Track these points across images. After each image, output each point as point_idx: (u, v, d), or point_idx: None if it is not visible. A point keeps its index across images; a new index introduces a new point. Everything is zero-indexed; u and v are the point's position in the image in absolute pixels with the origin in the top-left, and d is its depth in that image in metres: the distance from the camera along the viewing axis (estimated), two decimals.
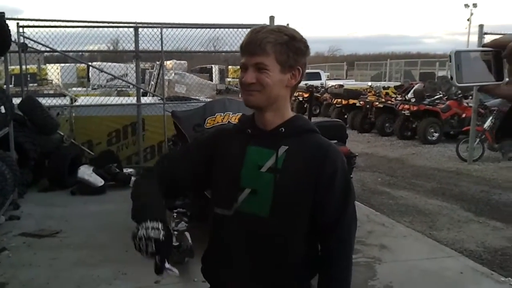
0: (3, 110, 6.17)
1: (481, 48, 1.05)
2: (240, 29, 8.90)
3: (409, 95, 15.36)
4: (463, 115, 13.80)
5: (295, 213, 1.74)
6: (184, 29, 9.14)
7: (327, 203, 1.74)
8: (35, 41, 8.32)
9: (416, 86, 16.18)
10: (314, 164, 1.72)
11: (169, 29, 8.92)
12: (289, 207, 1.72)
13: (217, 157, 1.84)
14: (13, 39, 7.14)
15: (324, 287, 1.76)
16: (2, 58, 6.94)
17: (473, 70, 1.04)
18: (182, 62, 18.10)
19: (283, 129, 1.76)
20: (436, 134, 13.67)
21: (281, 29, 1.70)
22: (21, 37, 8.16)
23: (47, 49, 8.59)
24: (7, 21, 6.72)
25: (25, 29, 8.25)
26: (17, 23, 8.14)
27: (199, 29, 9.22)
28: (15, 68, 10.05)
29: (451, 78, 1.04)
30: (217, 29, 9.26)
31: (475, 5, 41.02)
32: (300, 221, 1.75)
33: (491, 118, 11.06)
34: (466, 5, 41.45)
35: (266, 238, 1.73)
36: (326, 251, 1.80)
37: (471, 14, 41.00)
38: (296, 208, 1.73)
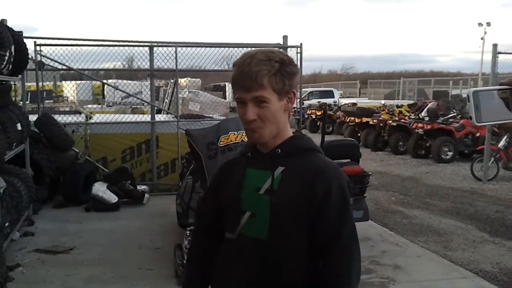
0: (19, 127, 6.26)
1: (498, 87, 1.06)
2: (253, 48, 8.97)
3: (423, 113, 15.31)
4: (477, 134, 13.70)
5: (291, 234, 1.71)
6: (198, 48, 9.25)
7: (320, 224, 1.69)
8: (51, 59, 8.45)
9: (429, 105, 16.15)
10: (307, 184, 1.70)
11: (184, 48, 9.02)
12: (286, 228, 1.71)
13: (223, 186, 1.89)
14: (30, 57, 7.26)
15: None
16: (19, 75, 7.04)
17: (491, 108, 1.05)
18: (196, 80, 18.22)
19: (279, 150, 1.76)
20: (450, 153, 13.58)
21: (269, 56, 1.67)
22: (38, 55, 8.30)
23: (64, 67, 8.71)
24: (25, 40, 6.86)
25: (42, 47, 8.38)
26: (34, 42, 8.28)
27: (213, 48, 9.31)
28: (31, 85, 10.19)
29: (470, 118, 1.05)
30: (231, 48, 9.35)
31: (488, 24, 40.81)
32: (297, 242, 1.71)
33: (505, 137, 10.99)
34: (480, 24, 41.23)
35: (264, 260, 1.72)
36: (322, 272, 1.71)
37: (485, 33, 40.77)
38: (292, 229, 1.71)
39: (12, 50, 5.74)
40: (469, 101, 1.03)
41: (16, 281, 4.82)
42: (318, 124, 22.03)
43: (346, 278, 1.69)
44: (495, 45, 10.05)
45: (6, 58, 5.57)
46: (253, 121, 1.68)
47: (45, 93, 10.23)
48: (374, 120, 16.24)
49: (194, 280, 1.98)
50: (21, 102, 7.93)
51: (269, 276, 1.72)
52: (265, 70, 1.64)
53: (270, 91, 1.66)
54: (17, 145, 6.25)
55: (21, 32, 6.79)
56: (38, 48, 8.30)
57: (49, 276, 5.00)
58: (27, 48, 6.76)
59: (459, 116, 14.93)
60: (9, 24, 6.33)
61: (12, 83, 7.27)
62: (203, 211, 2.07)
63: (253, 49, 1.81)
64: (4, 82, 6.27)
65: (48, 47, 8.47)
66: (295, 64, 1.75)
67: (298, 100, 10.70)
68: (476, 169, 10.93)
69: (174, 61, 8.83)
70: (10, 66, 5.80)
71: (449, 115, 14.83)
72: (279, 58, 1.68)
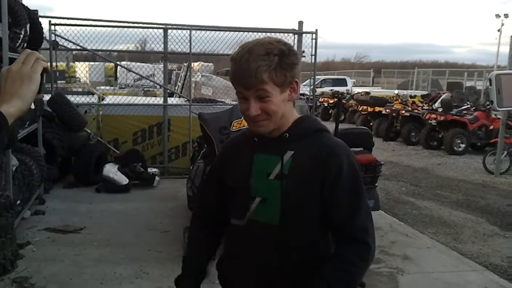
0: (32, 106, 6.27)
1: None
2: (267, 33, 8.93)
3: (436, 104, 15.18)
4: (491, 127, 13.58)
5: (304, 217, 1.72)
6: (212, 32, 9.20)
7: (336, 202, 1.69)
8: (66, 39, 8.45)
9: (443, 96, 15.99)
10: (318, 164, 1.69)
11: (197, 32, 8.98)
12: (298, 211, 1.71)
13: (227, 171, 1.87)
14: (44, 36, 7.26)
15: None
16: None
17: None
18: (209, 64, 18.17)
19: (287, 135, 1.75)
20: (463, 145, 13.48)
21: (268, 49, 1.62)
22: (53, 35, 8.29)
23: (77, 47, 8.71)
24: (40, 19, 6.85)
25: (56, 27, 8.38)
26: (49, 21, 8.29)
27: (226, 32, 9.26)
28: None
29: (492, 102, 1.01)
30: (245, 33, 9.29)
31: (506, 16, 40.22)
32: (310, 225, 1.73)
33: None
34: (497, 15, 40.67)
35: (277, 244, 1.72)
36: (337, 249, 1.74)
37: (502, 24, 40.23)
38: (305, 211, 1.71)
39: (27, 28, 5.75)
40: (490, 85, 1.00)
41: (26, 259, 4.85)
42: (330, 112, 21.95)
43: (367, 243, 1.70)
44: None
45: (21, 36, 5.58)
46: (257, 115, 1.66)
47: (57, 73, 10.25)
48: (387, 110, 16.15)
49: (194, 255, 1.99)
50: None
51: (283, 258, 1.73)
52: (264, 65, 1.60)
53: (272, 85, 1.63)
54: (30, 124, 6.27)
55: (37, 11, 6.78)
56: (52, 27, 8.30)
57: (59, 255, 5.03)
58: (42, 27, 6.75)
59: (473, 108, 14.82)
60: (24, 2, 6.33)
61: None
62: (205, 196, 2.06)
63: (253, 38, 1.78)
64: None
65: (62, 27, 8.46)
66: (295, 53, 1.70)
67: (311, 87, 10.63)
68: (489, 162, 10.84)
69: (188, 44, 8.78)
70: (25, 45, 5.80)
71: (463, 107, 14.73)
72: (278, 50, 1.63)
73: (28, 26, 5.76)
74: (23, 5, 6.08)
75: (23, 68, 1.28)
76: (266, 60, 1.61)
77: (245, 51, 1.64)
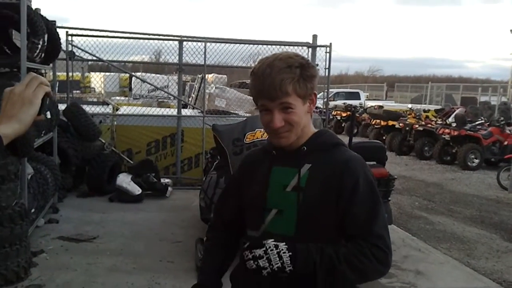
0: (49, 116, 6.34)
1: None
2: (281, 46, 8.97)
3: (450, 119, 15.13)
4: (505, 143, 13.50)
5: (319, 229, 1.73)
6: (226, 44, 9.26)
7: (353, 213, 1.70)
8: (82, 50, 8.55)
9: (457, 111, 15.96)
10: (335, 177, 1.72)
11: (212, 44, 9.04)
12: (314, 223, 1.72)
13: (245, 183, 1.90)
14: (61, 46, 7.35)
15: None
16: (50, 64, 7.14)
17: None
18: (223, 76, 18.26)
19: (305, 148, 1.79)
20: (477, 160, 13.39)
21: (289, 63, 1.67)
22: (69, 45, 8.40)
23: (93, 57, 8.81)
24: (57, 30, 6.94)
25: (73, 38, 8.48)
26: (66, 32, 8.40)
27: (240, 45, 9.31)
28: (60, 74, 10.31)
29: None
30: (259, 45, 9.34)
31: None
32: (326, 236, 1.73)
33: None
34: None
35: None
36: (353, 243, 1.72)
37: None
38: (320, 223, 1.72)
39: (45, 39, 5.82)
40: None
41: (39, 267, 4.89)
42: (343, 125, 21.91)
43: (384, 251, 1.70)
44: None
45: (39, 46, 5.65)
46: (281, 127, 1.70)
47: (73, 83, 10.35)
48: (400, 124, 16.10)
49: (210, 269, 1.99)
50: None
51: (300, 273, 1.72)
52: (288, 78, 1.65)
53: (295, 97, 1.68)
54: (45, 133, 6.34)
55: (55, 21, 6.88)
56: (69, 38, 8.41)
57: (71, 264, 5.06)
58: (59, 38, 6.84)
59: (487, 123, 14.73)
60: (42, 13, 6.42)
61: (43, 71, 7.37)
62: (222, 208, 2.07)
63: (271, 53, 1.81)
64: (35, 70, 6.35)
65: (78, 38, 8.57)
66: (313, 65, 1.76)
67: (325, 100, 10.63)
68: (503, 178, 10.76)
69: (202, 56, 8.84)
70: (43, 55, 5.88)
71: (477, 122, 14.64)
72: (299, 63, 1.69)
73: (46, 36, 5.84)
74: (42, 15, 6.17)
75: (26, 92, 1.32)
76: (289, 73, 1.65)
77: (265, 65, 1.68)
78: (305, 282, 1.73)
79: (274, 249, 1.62)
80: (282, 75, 1.64)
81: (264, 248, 1.62)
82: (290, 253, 1.62)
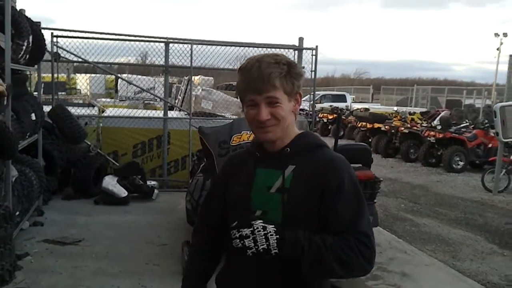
0: (33, 117, 6.29)
1: None
2: (268, 49, 8.98)
3: (435, 122, 15.23)
4: (490, 145, 13.61)
5: (304, 229, 1.72)
6: (213, 46, 9.25)
7: (337, 212, 1.71)
8: (67, 51, 8.49)
9: (442, 113, 16.07)
10: (319, 177, 1.74)
11: (198, 46, 9.03)
12: (298, 224, 1.72)
13: (229, 184, 1.91)
14: (46, 48, 7.29)
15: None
16: (35, 66, 7.08)
17: None
18: (210, 78, 18.24)
19: (288, 149, 1.80)
20: (461, 163, 13.48)
21: (276, 59, 1.73)
22: (55, 47, 8.33)
23: (79, 59, 8.75)
24: (42, 31, 6.89)
25: (59, 39, 8.41)
26: (51, 33, 8.32)
27: (227, 47, 9.31)
28: (46, 76, 10.23)
29: (497, 134, 1.02)
30: (246, 48, 9.35)
31: (505, 35, 40.42)
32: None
33: None
34: (496, 34, 40.92)
35: (277, 258, 1.71)
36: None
37: (501, 43, 40.47)
38: (304, 224, 1.73)
39: (30, 40, 5.77)
40: (495, 117, 1.00)
41: (24, 270, 4.84)
42: (329, 127, 21.98)
43: (369, 247, 1.71)
44: (511, 56, 9.98)
45: (24, 48, 5.60)
46: (267, 120, 1.71)
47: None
48: (386, 126, 16.18)
49: (194, 275, 2.00)
50: (36, 93, 7.97)
51: (284, 271, 1.74)
52: (276, 72, 1.69)
53: (281, 92, 1.71)
54: (30, 135, 6.28)
55: (39, 22, 6.83)
56: (54, 39, 8.34)
57: (57, 267, 5.02)
58: (44, 39, 6.79)
59: (472, 126, 14.86)
60: (27, 14, 6.37)
61: (28, 73, 7.31)
62: (207, 211, 2.07)
63: (259, 53, 1.85)
64: (20, 72, 6.30)
65: (64, 39, 8.50)
66: (299, 66, 1.83)
67: (311, 103, 10.67)
68: (487, 180, 10.85)
69: (189, 58, 8.82)
70: (27, 56, 5.83)
71: (462, 125, 14.77)
72: (286, 61, 1.74)
73: (30, 37, 5.79)
74: (26, 16, 6.12)
75: None
76: (277, 68, 1.70)
77: (254, 61, 1.72)
78: (293, 284, 1.74)
79: (262, 230, 1.64)
80: (271, 69, 1.69)
81: (252, 228, 1.65)
82: (277, 236, 1.64)
